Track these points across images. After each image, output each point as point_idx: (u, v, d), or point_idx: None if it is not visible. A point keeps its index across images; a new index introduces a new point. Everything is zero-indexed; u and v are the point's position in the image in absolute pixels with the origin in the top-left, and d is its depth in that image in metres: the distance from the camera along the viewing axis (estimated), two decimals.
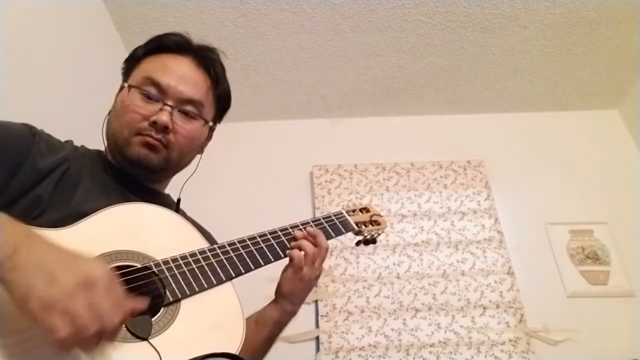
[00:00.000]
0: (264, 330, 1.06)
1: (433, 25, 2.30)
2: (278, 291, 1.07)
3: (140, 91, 1.01)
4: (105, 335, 0.64)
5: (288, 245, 1.05)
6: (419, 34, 2.34)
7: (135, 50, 1.10)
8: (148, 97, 1.01)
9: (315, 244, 1.06)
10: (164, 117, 0.98)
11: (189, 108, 1.04)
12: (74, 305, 0.61)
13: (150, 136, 0.99)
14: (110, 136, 1.03)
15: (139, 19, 2.20)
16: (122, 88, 1.06)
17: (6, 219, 0.69)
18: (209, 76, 1.09)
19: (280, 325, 1.07)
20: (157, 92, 1.01)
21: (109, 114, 1.06)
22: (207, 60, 1.10)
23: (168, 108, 1.00)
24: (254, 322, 1.06)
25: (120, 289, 0.68)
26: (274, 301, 1.08)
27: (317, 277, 1.08)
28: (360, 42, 2.37)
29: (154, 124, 0.98)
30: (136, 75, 1.05)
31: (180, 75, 1.04)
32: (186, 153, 1.07)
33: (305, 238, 1.06)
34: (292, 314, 1.08)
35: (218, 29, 2.26)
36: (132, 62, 1.09)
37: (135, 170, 1.02)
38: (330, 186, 2.53)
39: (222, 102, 1.14)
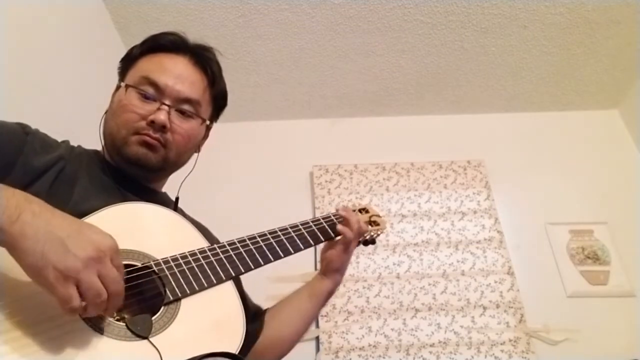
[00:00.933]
0: (319, 303, 1.18)
1: (433, 25, 2.30)
2: (329, 268, 1.17)
3: (137, 91, 1.01)
4: (110, 303, 0.70)
5: (288, 245, 1.05)
6: (419, 34, 2.34)
7: (132, 49, 1.10)
8: (145, 97, 1.01)
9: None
10: (161, 117, 0.99)
11: (186, 107, 1.04)
12: (86, 277, 0.66)
13: (149, 135, 0.99)
14: (108, 135, 1.03)
15: (138, 19, 2.20)
16: (118, 87, 1.06)
17: (1, 185, 0.70)
18: (206, 75, 1.09)
19: (331, 295, 1.19)
20: (154, 92, 1.01)
21: (105, 113, 1.06)
22: (204, 59, 1.10)
23: (165, 107, 1.00)
24: (307, 296, 1.17)
25: (120, 258, 0.73)
26: (324, 275, 1.18)
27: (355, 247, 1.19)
28: (360, 42, 2.37)
29: (151, 123, 0.99)
30: (133, 75, 1.05)
31: (177, 74, 1.04)
32: (184, 152, 1.07)
33: (350, 216, 1.16)
34: (339, 283, 1.20)
35: (218, 29, 2.26)
36: (128, 61, 1.09)
37: (134, 169, 1.02)
38: (330, 186, 2.53)
39: (218, 101, 1.15)
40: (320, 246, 1.19)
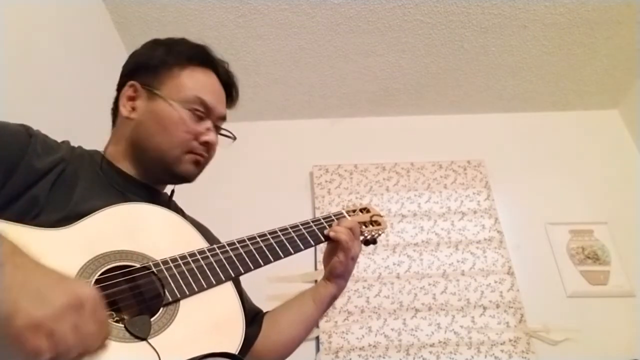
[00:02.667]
0: (322, 307, 1.17)
1: (433, 25, 2.30)
2: (332, 273, 1.15)
3: (191, 110, 1.03)
4: (84, 356, 0.63)
5: (288, 245, 1.05)
6: (419, 34, 2.34)
7: (162, 54, 1.07)
8: (198, 117, 1.04)
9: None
10: (214, 138, 1.06)
11: (220, 124, 1.11)
12: (60, 327, 0.59)
13: (202, 155, 1.04)
14: (154, 150, 1.02)
15: (139, 19, 2.20)
16: (155, 95, 1.03)
17: None
18: (230, 95, 1.18)
19: (335, 299, 1.19)
20: (205, 111, 1.05)
21: (128, 118, 1.03)
22: (231, 78, 1.18)
23: (212, 127, 1.06)
24: (311, 299, 1.16)
25: (104, 311, 0.67)
26: (328, 280, 1.16)
27: (359, 252, 1.17)
28: (360, 42, 2.37)
29: (205, 143, 1.04)
30: (178, 89, 1.03)
31: (218, 93, 1.11)
32: None
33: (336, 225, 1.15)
34: (344, 288, 1.19)
35: (218, 29, 2.26)
36: (159, 68, 1.05)
37: (173, 182, 1.09)
38: (330, 186, 2.53)
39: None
40: (321, 246, 1.19)
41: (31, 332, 0.57)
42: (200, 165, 1.06)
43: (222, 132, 1.11)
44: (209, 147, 1.06)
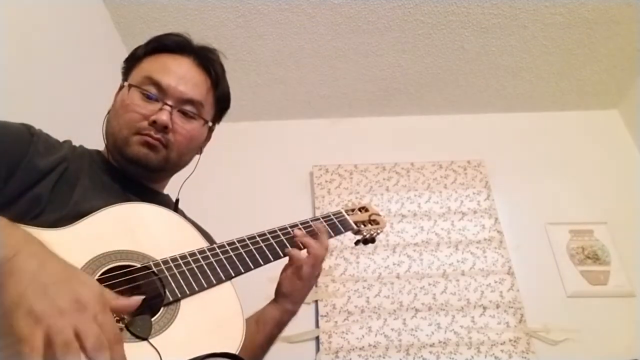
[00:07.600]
0: (265, 330, 1.05)
1: (433, 25, 2.30)
2: (278, 291, 1.07)
3: (140, 90, 1.01)
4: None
5: (287, 244, 1.04)
6: (419, 34, 2.34)
7: (136, 50, 1.11)
8: (148, 97, 1.01)
9: (320, 242, 1.06)
10: (163, 117, 0.98)
11: (188, 108, 1.04)
12: (58, 324, 0.58)
13: (150, 136, 0.99)
14: (110, 135, 1.03)
15: (139, 19, 2.20)
16: (121, 87, 1.07)
17: (5, 222, 0.68)
18: (209, 77, 1.09)
19: (281, 324, 1.07)
20: (157, 92, 1.01)
21: (108, 113, 1.06)
22: (208, 61, 1.09)
23: (168, 108, 1.00)
24: (254, 321, 1.06)
25: (111, 319, 0.64)
26: (275, 301, 1.08)
27: (317, 276, 1.07)
28: (360, 42, 2.37)
29: (153, 123, 0.98)
30: (136, 75, 1.05)
31: (181, 75, 1.04)
32: (185, 153, 1.07)
33: (306, 236, 1.05)
34: (293, 313, 1.07)
35: (218, 29, 2.26)
36: (132, 61, 1.09)
37: (134, 169, 1.02)
38: (330, 186, 2.53)
39: (221, 103, 1.15)
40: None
41: (28, 322, 0.57)
42: (154, 148, 0.99)
43: (187, 112, 1.03)
44: (160, 128, 0.98)
